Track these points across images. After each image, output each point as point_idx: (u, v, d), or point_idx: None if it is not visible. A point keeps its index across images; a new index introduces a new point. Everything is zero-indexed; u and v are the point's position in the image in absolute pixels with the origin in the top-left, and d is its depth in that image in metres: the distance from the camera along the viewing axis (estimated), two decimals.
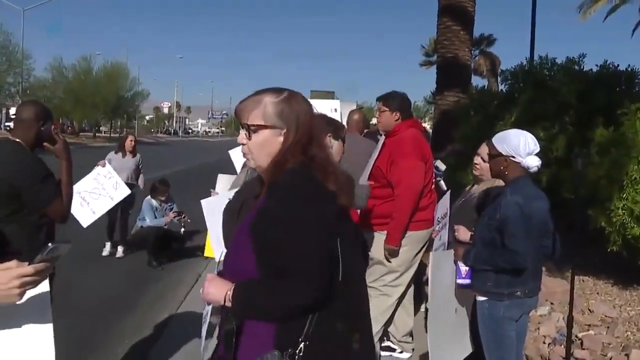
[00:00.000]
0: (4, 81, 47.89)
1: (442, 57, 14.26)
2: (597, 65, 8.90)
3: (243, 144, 2.21)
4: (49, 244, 2.02)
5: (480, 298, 3.74)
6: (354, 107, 16.61)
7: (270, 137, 2.16)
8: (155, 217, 9.16)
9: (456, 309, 4.09)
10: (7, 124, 61.87)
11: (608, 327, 5.90)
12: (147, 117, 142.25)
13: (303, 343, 2.02)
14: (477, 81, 44.97)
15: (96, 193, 8.15)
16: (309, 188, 2.09)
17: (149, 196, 9.39)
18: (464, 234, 4.19)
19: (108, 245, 9.36)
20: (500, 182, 3.92)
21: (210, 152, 46.56)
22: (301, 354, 2.02)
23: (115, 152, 9.58)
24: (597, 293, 6.93)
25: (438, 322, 4.11)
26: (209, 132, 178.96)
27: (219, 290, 2.12)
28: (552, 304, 6.41)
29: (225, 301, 2.10)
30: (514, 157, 3.58)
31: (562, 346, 5.21)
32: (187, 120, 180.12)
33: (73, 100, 61.18)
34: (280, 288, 2.01)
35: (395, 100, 5.19)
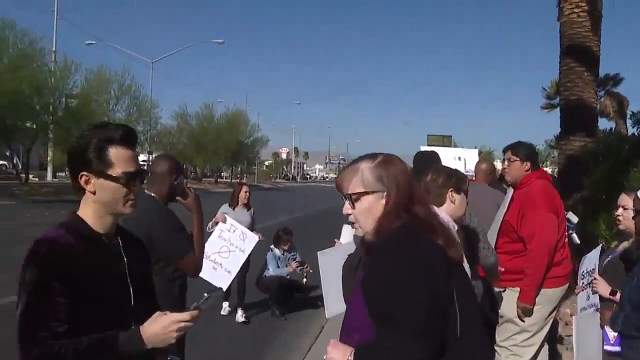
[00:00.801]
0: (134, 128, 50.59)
1: (565, 100, 13.75)
2: None
3: (349, 214, 2.26)
4: (205, 294, 2.30)
5: None
6: (475, 153, 16.32)
7: (374, 202, 2.20)
8: (278, 267, 9.23)
9: None
10: None
11: None
12: (266, 163, 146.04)
13: None
14: (604, 124, 42.86)
15: (226, 251, 7.73)
16: (415, 245, 2.09)
17: (272, 245, 9.48)
18: (603, 287, 3.93)
19: (226, 304, 8.92)
20: None
21: (329, 197, 46.89)
22: None
23: (229, 205, 8.99)
24: None
25: None
26: (327, 177, 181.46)
27: (340, 356, 2.14)
28: None
29: None
30: None
31: None
32: (304, 165, 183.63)
33: (196, 147, 63.94)
34: (393, 348, 2.00)
35: (524, 150, 5.05)
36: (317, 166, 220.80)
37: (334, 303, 4.67)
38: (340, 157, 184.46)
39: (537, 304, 4.70)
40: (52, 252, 2.11)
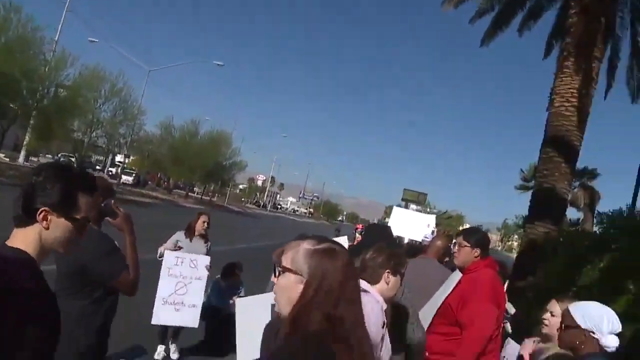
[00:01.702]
0: (116, 131, 50.32)
1: (539, 186, 13.88)
2: None
3: (275, 283, 2.14)
4: None
5: None
6: (434, 218, 16.49)
7: (292, 284, 2.05)
8: (221, 299, 8.98)
9: None
10: (110, 169, 65.22)
11: None
12: (241, 186, 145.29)
13: None
14: (572, 213, 43.21)
15: (182, 287, 7.24)
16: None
17: (220, 276, 9.23)
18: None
19: (161, 348, 7.96)
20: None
21: (296, 231, 46.55)
22: None
23: (185, 236, 8.27)
24: None
25: None
26: (297, 211, 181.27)
27: None
28: None
29: None
30: (593, 332, 3.26)
31: None
32: (278, 195, 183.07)
33: (174, 159, 63.36)
34: None
35: (475, 237, 5.05)
36: (290, 198, 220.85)
37: (246, 352, 4.74)
38: (314, 194, 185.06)
39: None
40: (26, 296, 2.05)
